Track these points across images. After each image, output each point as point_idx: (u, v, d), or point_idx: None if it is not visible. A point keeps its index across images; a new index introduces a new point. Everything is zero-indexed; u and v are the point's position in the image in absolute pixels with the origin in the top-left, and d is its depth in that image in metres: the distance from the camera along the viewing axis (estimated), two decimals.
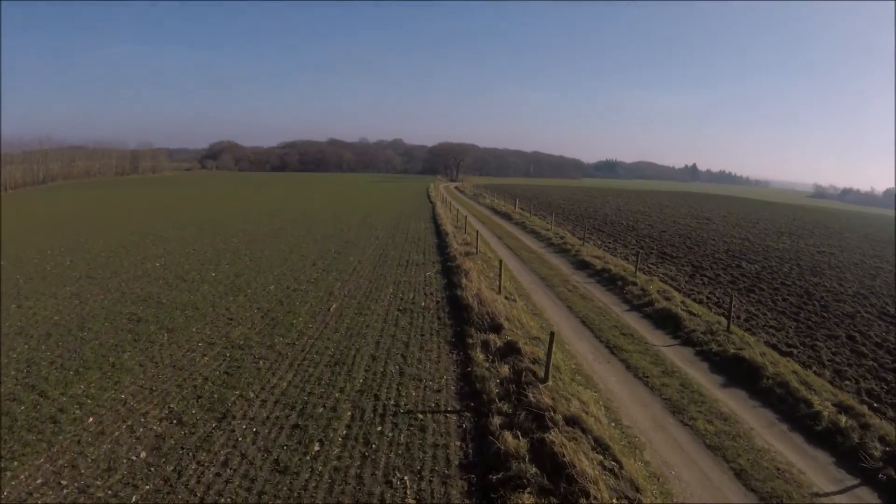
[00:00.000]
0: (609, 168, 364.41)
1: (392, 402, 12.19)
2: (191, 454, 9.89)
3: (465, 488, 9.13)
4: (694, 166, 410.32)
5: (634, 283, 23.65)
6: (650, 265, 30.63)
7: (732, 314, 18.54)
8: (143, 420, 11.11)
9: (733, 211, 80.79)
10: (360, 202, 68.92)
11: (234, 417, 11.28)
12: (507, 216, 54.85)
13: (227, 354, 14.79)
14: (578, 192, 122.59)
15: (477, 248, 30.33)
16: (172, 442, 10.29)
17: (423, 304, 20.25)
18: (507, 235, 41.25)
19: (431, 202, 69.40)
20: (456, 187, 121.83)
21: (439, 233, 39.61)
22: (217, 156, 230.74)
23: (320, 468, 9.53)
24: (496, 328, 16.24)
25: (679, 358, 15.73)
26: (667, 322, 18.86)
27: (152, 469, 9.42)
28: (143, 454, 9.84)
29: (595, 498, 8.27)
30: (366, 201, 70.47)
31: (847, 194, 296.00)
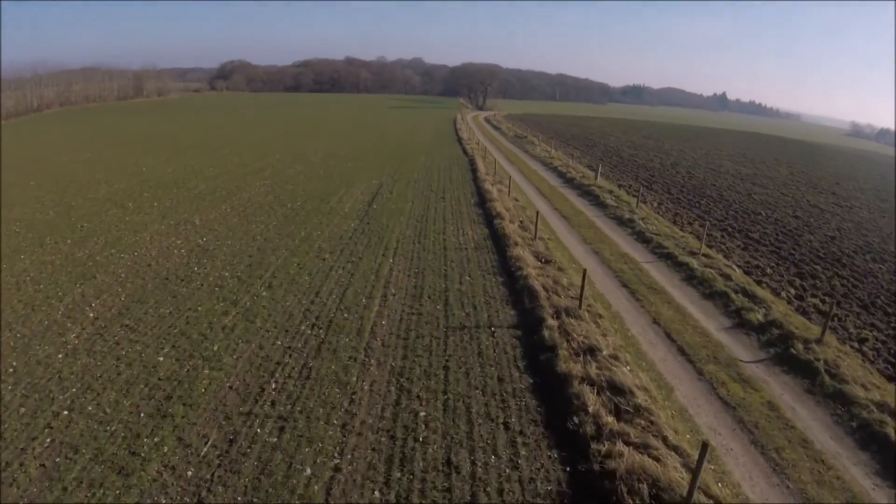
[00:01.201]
0: (635, 93, 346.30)
1: None
2: None
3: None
4: (724, 95, 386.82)
5: None
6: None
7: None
8: None
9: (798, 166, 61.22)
10: (368, 149, 50.41)
11: None
12: (592, 196, 32.94)
13: None
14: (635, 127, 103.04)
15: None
16: None
17: None
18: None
19: (466, 152, 49.09)
20: (486, 118, 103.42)
21: (499, 248, 20.96)
22: (228, 76, 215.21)
23: None
24: None
25: None
26: None
27: None
28: None
29: None
30: (378, 149, 50.70)
31: (884, 135, 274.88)
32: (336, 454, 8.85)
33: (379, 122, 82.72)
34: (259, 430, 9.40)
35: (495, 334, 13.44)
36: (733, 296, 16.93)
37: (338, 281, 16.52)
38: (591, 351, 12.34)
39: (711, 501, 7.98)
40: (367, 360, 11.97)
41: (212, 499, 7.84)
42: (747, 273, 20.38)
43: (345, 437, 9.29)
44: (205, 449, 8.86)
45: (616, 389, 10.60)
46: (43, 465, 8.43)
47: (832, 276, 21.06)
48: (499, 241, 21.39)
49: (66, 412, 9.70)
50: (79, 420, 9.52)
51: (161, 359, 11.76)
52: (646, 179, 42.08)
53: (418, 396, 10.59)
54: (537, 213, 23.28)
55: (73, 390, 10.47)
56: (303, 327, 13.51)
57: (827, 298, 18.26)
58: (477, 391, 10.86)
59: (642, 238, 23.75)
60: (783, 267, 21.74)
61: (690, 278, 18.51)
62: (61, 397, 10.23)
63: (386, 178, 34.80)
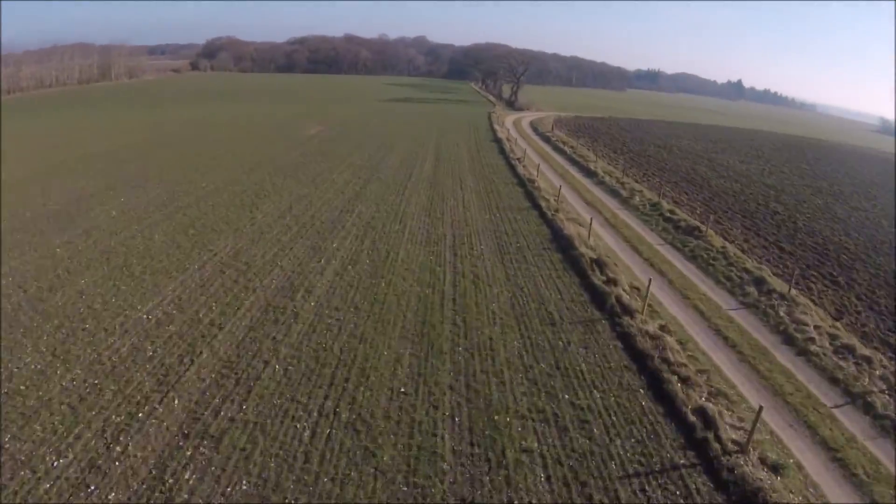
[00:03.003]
0: (650, 78, 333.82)
1: None
2: None
3: None
4: (739, 83, 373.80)
5: None
6: None
7: None
8: None
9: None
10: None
11: None
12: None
13: None
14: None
15: None
16: None
17: None
18: None
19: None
20: (532, 126, 77.87)
21: None
22: (215, 54, 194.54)
23: None
24: None
25: None
26: None
27: None
28: None
29: None
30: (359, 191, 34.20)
31: None
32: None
33: (370, 131, 61.73)
34: None
35: None
36: None
37: None
38: None
39: None
40: None
41: None
42: None
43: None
44: None
45: None
46: None
47: None
48: None
49: None
50: None
51: None
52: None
53: None
54: None
55: None
56: None
57: None
58: None
59: None
60: None
61: None
62: None
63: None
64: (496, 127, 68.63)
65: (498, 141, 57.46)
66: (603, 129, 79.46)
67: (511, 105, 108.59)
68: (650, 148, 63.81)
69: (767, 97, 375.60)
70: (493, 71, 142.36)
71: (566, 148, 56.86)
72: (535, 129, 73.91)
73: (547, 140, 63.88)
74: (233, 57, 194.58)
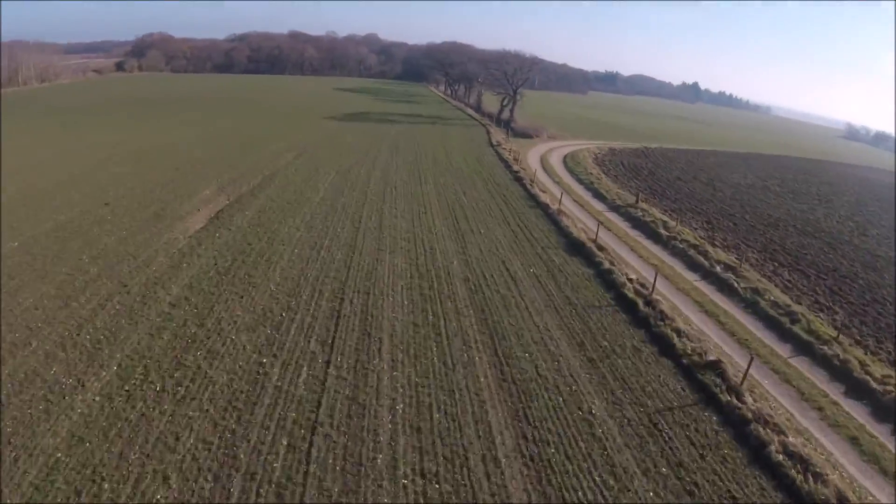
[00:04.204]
0: (609, 80, 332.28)
1: None
2: None
3: None
4: (696, 85, 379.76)
5: None
6: None
7: None
8: None
9: None
10: None
11: None
12: None
13: None
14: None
15: None
16: None
17: None
18: None
19: None
20: (581, 180, 55.41)
21: None
22: (144, 52, 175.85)
23: None
24: None
25: None
26: None
27: None
28: None
29: None
30: None
31: (882, 139, 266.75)
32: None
33: (310, 215, 34.41)
34: None
35: None
36: None
37: None
38: None
39: None
40: None
41: None
42: None
43: None
44: None
45: None
46: None
47: None
48: None
49: None
50: None
51: None
52: None
53: None
54: None
55: None
56: None
57: None
58: None
59: None
60: None
61: None
62: None
63: None
64: (536, 191, 45.08)
65: (577, 246, 32.00)
66: (663, 175, 63.47)
67: (508, 126, 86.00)
68: (709, 195, 54.62)
69: (723, 99, 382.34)
70: (468, 76, 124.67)
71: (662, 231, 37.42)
72: (587, 188, 51.35)
73: (632, 219, 40.68)
74: (164, 56, 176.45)
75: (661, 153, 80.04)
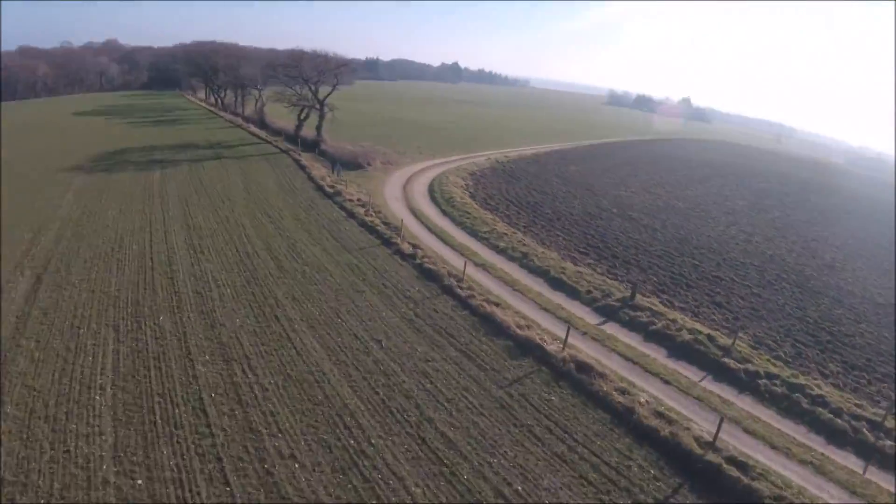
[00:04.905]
0: (369, 67, 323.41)
1: None
2: None
3: None
4: (456, 65, 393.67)
5: None
6: None
7: None
8: None
9: None
10: None
11: None
12: None
13: None
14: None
15: None
16: None
17: None
18: None
19: None
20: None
21: None
22: None
23: None
24: None
25: None
26: None
27: None
28: None
29: None
30: None
31: (645, 101, 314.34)
32: None
33: None
34: None
35: None
36: None
37: None
38: None
39: None
40: None
41: None
42: None
43: None
44: None
45: None
46: None
47: None
48: None
49: None
50: None
51: None
52: None
53: None
54: None
55: None
56: None
57: None
58: None
59: None
60: None
61: None
62: None
63: None
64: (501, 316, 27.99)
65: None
66: (564, 210, 53.84)
67: (318, 150, 68.45)
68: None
69: (484, 76, 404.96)
70: (241, 81, 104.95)
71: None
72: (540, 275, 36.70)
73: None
74: None
75: (523, 168, 74.53)
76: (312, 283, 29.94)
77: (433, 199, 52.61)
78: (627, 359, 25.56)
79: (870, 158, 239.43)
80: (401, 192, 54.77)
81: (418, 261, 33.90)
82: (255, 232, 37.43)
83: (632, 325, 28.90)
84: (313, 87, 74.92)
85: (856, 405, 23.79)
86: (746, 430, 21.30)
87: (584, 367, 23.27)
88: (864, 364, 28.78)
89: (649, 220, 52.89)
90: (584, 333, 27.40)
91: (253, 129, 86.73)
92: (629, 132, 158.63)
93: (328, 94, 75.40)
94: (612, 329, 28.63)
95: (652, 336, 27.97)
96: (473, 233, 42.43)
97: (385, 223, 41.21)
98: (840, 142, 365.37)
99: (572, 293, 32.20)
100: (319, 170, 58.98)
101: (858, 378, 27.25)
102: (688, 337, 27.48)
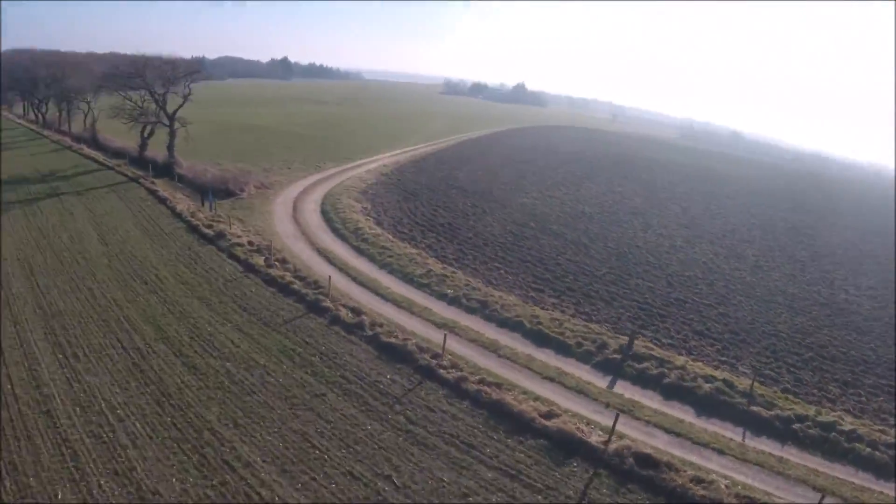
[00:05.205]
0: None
1: None
2: None
3: None
4: (285, 60, 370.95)
5: None
6: None
7: None
8: None
9: None
10: None
11: None
12: None
13: None
14: None
15: None
16: None
17: None
18: None
19: None
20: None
21: None
22: None
23: None
24: None
25: None
26: None
27: None
28: None
29: None
30: None
31: (481, 89, 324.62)
32: None
33: None
34: None
35: None
36: None
37: None
38: None
39: None
40: None
41: None
42: None
43: None
44: None
45: None
46: None
47: None
48: None
49: None
50: None
51: None
52: None
53: None
54: None
55: None
56: None
57: None
58: None
59: None
60: None
61: None
62: None
63: None
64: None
65: None
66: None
67: (170, 172, 57.53)
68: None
69: (315, 71, 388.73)
70: (66, 94, 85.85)
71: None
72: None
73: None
74: None
75: (410, 179, 68.43)
76: (248, 390, 22.05)
77: (336, 231, 45.13)
78: (669, 431, 22.36)
79: (701, 130, 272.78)
80: (294, 227, 45.94)
81: (368, 331, 27.21)
82: (136, 311, 27.67)
83: (643, 381, 25.92)
84: (160, 99, 61.18)
85: (879, 431, 23.84)
86: (815, 488, 20.02)
87: (643, 459, 19.57)
88: (852, 379, 28.95)
89: (572, 233, 50.94)
90: (608, 405, 23.62)
91: (86, 150, 70.63)
92: (482, 123, 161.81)
93: (179, 107, 61.78)
94: (627, 390, 25.25)
95: (670, 392, 25.25)
96: (407, 278, 36.08)
97: (299, 276, 33.59)
98: (668, 116, 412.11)
99: (562, 349, 28.18)
100: (184, 202, 48.38)
101: (856, 397, 27.24)
102: (707, 387, 25.28)
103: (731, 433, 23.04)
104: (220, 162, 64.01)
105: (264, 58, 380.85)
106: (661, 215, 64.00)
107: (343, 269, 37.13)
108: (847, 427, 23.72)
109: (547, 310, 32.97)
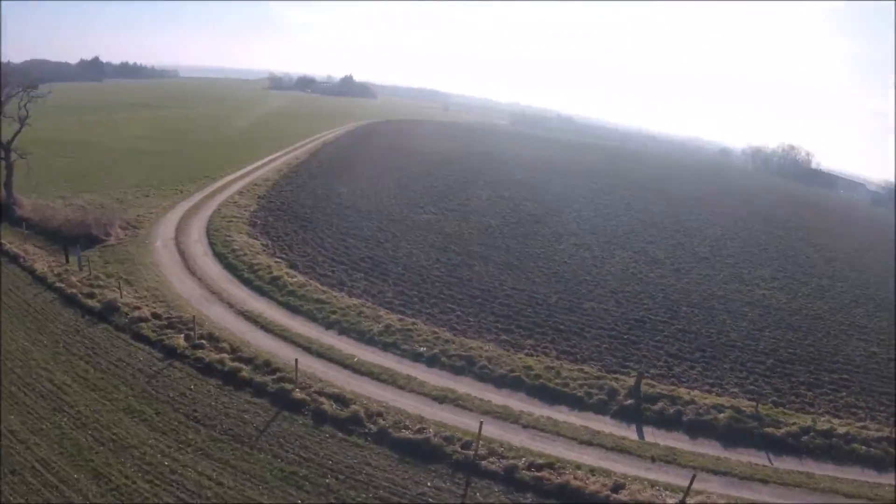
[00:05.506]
0: None
1: None
2: None
3: None
4: (97, 60, 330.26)
5: None
6: None
7: None
8: None
9: None
10: None
11: None
12: None
13: None
14: None
15: None
16: None
17: None
18: None
19: None
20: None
21: None
22: None
23: None
24: None
25: None
26: None
27: None
28: None
29: None
30: None
31: (307, 83, 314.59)
32: None
33: None
34: None
35: None
36: None
37: None
38: None
39: None
40: None
41: None
42: None
43: None
44: None
45: None
46: None
47: None
48: None
49: None
50: None
51: None
52: None
53: None
54: None
55: None
56: None
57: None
58: None
59: None
60: None
61: None
62: None
63: None
64: None
65: None
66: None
67: (8, 217, 45.01)
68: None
69: (129, 70, 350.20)
70: None
71: None
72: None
73: None
74: None
75: (294, 201, 61.00)
76: None
77: (249, 283, 38.21)
78: (716, 472, 22.78)
79: (532, 115, 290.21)
80: (195, 282, 37.99)
81: (370, 426, 22.98)
82: (50, 449, 19.83)
83: (666, 423, 26.16)
84: None
85: (861, 426, 27.19)
86: (846, 495, 22.40)
87: None
88: (814, 380, 32.07)
89: (496, 254, 49.69)
90: (653, 459, 23.14)
91: None
92: (322, 121, 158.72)
93: (17, 134, 47.34)
94: (657, 437, 25.18)
95: (695, 430, 25.85)
96: (366, 338, 31.49)
97: (241, 358, 27.22)
98: (497, 102, 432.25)
99: (576, 403, 27.13)
100: (42, 258, 38.28)
101: (825, 395, 30.35)
102: (722, 418, 26.30)
103: (757, 458, 24.23)
104: (66, 195, 53.08)
105: (73, 59, 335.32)
106: (560, 221, 65.48)
107: (287, 337, 31.22)
108: (841, 430, 26.37)
109: (532, 356, 31.60)
